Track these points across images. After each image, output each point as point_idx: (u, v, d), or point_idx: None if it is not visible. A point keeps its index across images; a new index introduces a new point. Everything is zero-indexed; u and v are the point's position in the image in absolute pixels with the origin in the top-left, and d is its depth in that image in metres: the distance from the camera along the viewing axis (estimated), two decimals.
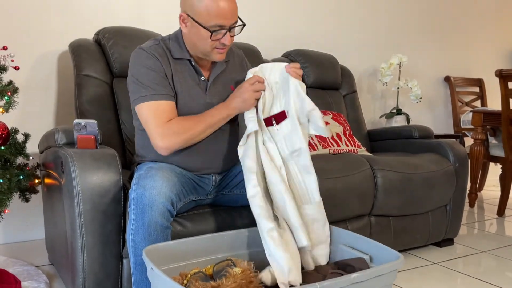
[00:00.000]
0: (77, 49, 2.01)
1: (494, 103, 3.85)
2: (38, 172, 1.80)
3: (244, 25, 1.36)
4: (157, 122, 1.32)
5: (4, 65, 1.60)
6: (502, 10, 4.03)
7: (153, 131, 1.32)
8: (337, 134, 2.34)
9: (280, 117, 1.37)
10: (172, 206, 1.24)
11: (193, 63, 1.43)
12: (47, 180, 1.75)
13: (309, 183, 1.35)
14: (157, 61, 1.37)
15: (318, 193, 1.34)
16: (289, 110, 1.35)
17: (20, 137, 1.73)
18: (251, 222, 1.52)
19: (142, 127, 1.44)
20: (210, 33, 1.31)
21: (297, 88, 1.34)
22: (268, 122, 1.38)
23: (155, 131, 1.32)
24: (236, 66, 1.54)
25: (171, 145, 1.32)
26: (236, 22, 1.34)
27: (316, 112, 1.32)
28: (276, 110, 1.38)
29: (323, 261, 1.33)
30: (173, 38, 1.44)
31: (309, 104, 1.33)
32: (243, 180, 1.48)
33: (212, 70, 1.46)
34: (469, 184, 3.19)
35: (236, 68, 1.53)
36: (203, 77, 1.44)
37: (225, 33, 1.32)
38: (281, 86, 1.38)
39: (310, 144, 2.26)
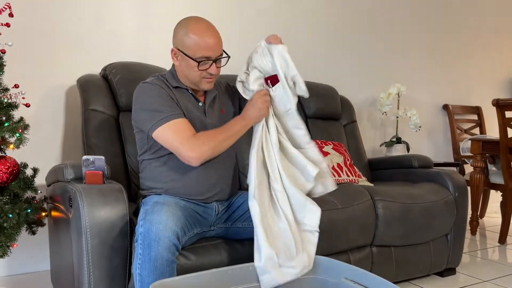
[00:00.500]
0: (84, 84, 2.07)
1: (493, 130, 3.90)
2: (45, 205, 1.84)
3: (229, 57, 1.53)
4: (182, 137, 1.42)
5: (16, 102, 1.67)
6: (499, 40, 4.13)
7: (180, 145, 1.41)
8: (338, 164, 2.38)
9: (274, 80, 1.53)
10: (177, 240, 1.28)
11: (190, 91, 1.56)
12: (54, 213, 1.78)
13: (300, 136, 1.57)
14: (162, 89, 1.49)
15: (308, 138, 1.57)
16: (279, 74, 1.51)
17: (29, 171, 1.78)
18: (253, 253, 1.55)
19: (148, 158, 1.53)
20: (197, 64, 1.46)
21: (281, 52, 1.51)
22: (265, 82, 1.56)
23: (183, 145, 1.41)
24: (223, 92, 1.69)
25: (201, 154, 1.41)
26: (222, 54, 1.51)
27: (299, 77, 1.52)
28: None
29: (331, 186, 1.59)
30: (168, 73, 1.60)
31: (292, 69, 1.51)
32: (245, 212, 1.54)
33: (206, 96, 1.61)
34: (470, 212, 3.22)
35: (224, 94, 1.69)
36: (200, 102, 1.58)
37: (211, 64, 1.48)
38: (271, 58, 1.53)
39: None
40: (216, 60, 1.49)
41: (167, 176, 1.51)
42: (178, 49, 1.50)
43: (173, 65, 1.58)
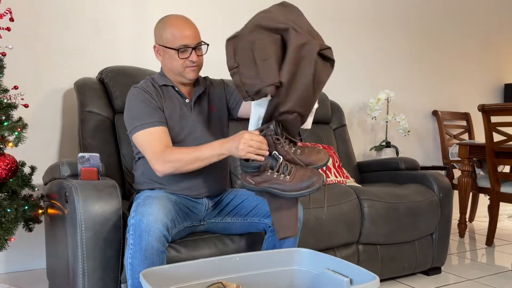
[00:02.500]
0: (81, 87, 2.15)
1: (481, 135, 3.98)
2: (41, 203, 1.91)
3: (208, 44, 1.60)
4: (152, 148, 1.49)
5: (15, 103, 1.74)
6: (487, 46, 4.22)
7: (150, 156, 1.49)
8: (327, 166, 2.45)
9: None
10: (167, 231, 1.34)
11: (176, 88, 1.64)
12: (50, 210, 1.85)
13: None
14: (146, 94, 1.57)
15: None
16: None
17: (26, 170, 1.84)
18: (243, 249, 1.63)
19: (140, 155, 1.60)
20: (177, 52, 1.54)
21: None
22: None
23: (152, 156, 1.48)
24: (214, 89, 1.74)
25: (164, 170, 1.47)
26: (200, 43, 1.58)
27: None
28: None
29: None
30: (157, 74, 1.69)
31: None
32: (235, 208, 1.61)
33: (193, 93, 1.67)
34: (459, 215, 3.29)
35: (215, 91, 1.73)
36: (187, 99, 1.65)
37: (191, 52, 1.55)
38: None
39: None
40: (196, 48, 1.56)
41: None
42: (159, 45, 1.59)
43: (161, 67, 1.67)
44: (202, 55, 1.61)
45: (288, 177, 1.35)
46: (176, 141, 1.57)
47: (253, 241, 1.67)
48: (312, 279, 1.44)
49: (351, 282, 1.32)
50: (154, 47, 1.62)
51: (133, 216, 1.33)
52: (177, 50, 1.54)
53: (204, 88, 1.70)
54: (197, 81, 1.69)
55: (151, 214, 1.32)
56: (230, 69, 1.36)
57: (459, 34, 4.02)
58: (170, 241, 1.40)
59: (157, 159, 1.46)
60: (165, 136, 1.51)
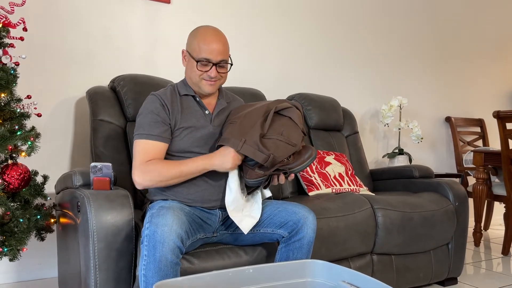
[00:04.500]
0: (93, 95, 2.15)
1: (496, 142, 3.93)
2: (54, 212, 1.90)
3: (231, 65, 1.61)
4: (140, 159, 1.51)
5: (28, 112, 1.74)
6: (500, 52, 4.17)
7: (133, 165, 1.52)
8: (340, 174, 2.42)
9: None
10: (181, 243, 1.33)
11: (197, 99, 1.63)
12: (62, 220, 1.84)
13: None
14: (159, 105, 1.57)
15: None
16: None
17: (39, 179, 1.84)
18: (256, 260, 1.60)
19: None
20: (196, 63, 1.55)
21: None
22: None
23: (134, 166, 1.52)
24: (235, 105, 1.75)
25: (141, 181, 1.50)
26: (224, 60, 1.57)
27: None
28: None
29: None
30: (180, 81, 1.69)
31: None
32: None
33: (215, 106, 1.67)
34: (474, 223, 3.23)
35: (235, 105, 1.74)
36: (207, 111, 1.64)
37: (211, 67, 1.55)
38: None
39: (313, 183, 2.34)
40: (217, 64, 1.56)
41: (173, 185, 1.57)
42: (186, 50, 1.61)
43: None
44: (224, 73, 1.60)
45: (290, 158, 1.50)
46: (190, 151, 1.56)
47: (267, 252, 1.65)
48: None
49: None
50: (182, 51, 1.64)
51: (147, 227, 1.32)
52: (197, 61, 1.55)
53: (226, 104, 1.69)
54: (221, 94, 1.70)
55: (166, 225, 1.30)
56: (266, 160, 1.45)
57: (472, 40, 3.98)
58: (184, 253, 1.38)
59: (137, 169, 1.49)
60: (158, 152, 1.54)
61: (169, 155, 1.59)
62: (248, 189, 1.61)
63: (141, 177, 1.49)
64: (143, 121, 1.55)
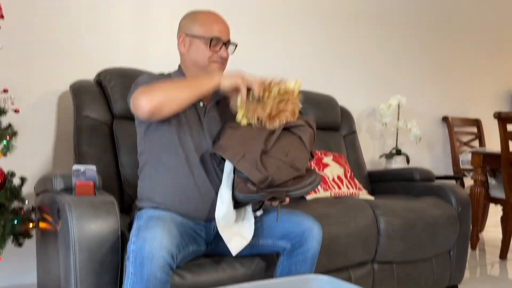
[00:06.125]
0: (78, 90, 2.00)
1: (492, 143, 3.87)
2: (32, 216, 1.76)
3: (236, 45, 1.53)
4: (142, 86, 1.35)
5: (4, 108, 1.59)
6: (498, 52, 4.12)
7: (136, 93, 1.32)
8: (338, 177, 2.32)
9: None
10: (172, 259, 1.20)
11: None
12: (42, 225, 1.70)
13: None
14: (158, 77, 1.48)
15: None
16: None
17: (16, 181, 1.69)
18: (253, 273, 1.48)
19: (148, 162, 1.46)
20: (209, 42, 1.44)
21: None
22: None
23: (138, 92, 1.32)
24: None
25: (149, 101, 1.28)
26: (230, 41, 1.51)
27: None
28: None
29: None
30: (174, 71, 1.56)
31: None
32: None
33: (211, 96, 1.51)
34: (471, 227, 3.16)
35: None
36: (201, 103, 1.49)
37: (222, 46, 1.47)
38: None
39: None
40: (226, 45, 1.48)
41: (165, 187, 1.43)
42: (187, 34, 1.48)
43: (179, 65, 1.55)
44: (229, 55, 1.52)
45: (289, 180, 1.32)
46: (180, 151, 1.42)
47: (265, 264, 1.52)
48: None
49: None
50: (179, 36, 1.50)
51: (133, 241, 1.18)
52: (210, 39, 1.44)
53: (221, 97, 1.51)
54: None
55: (155, 239, 1.17)
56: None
57: (470, 39, 3.91)
58: (174, 269, 1.25)
59: (141, 92, 1.30)
60: None
61: (144, 155, 1.48)
62: (236, 205, 1.41)
63: (147, 97, 1.27)
64: (140, 80, 1.42)
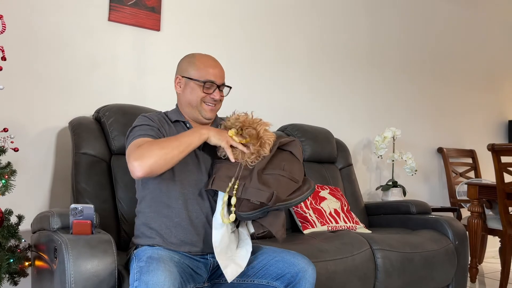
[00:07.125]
0: (77, 127, 2.02)
1: (487, 173, 3.89)
2: (29, 253, 1.75)
3: (230, 88, 1.60)
4: (133, 149, 1.38)
5: (4, 146, 1.61)
6: (491, 85, 4.19)
7: (129, 155, 1.36)
8: (335, 210, 2.32)
9: None
10: None
11: (188, 125, 1.58)
12: (38, 263, 1.69)
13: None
14: (153, 122, 1.51)
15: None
16: None
17: (13, 219, 1.69)
18: None
19: (147, 196, 1.49)
20: (202, 85, 1.52)
21: None
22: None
23: (130, 156, 1.36)
24: None
25: (143, 164, 1.32)
26: (224, 84, 1.58)
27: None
28: None
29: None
30: (171, 110, 1.64)
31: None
32: None
33: None
34: (469, 258, 3.14)
35: None
36: None
37: (215, 89, 1.53)
38: None
39: (308, 220, 2.23)
40: (220, 87, 1.55)
41: (160, 223, 1.45)
42: (182, 76, 1.56)
43: (176, 104, 1.63)
44: (223, 96, 1.59)
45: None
46: (176, 180, 1.47)
47: None
48: None
49: None
50: (176, 78, 1.59)
51: (136, 286, 1.18)
52: (204, 82, 1.52)
53: (221, 128, 1.59)
54: (215, 123, 1.64)
55: (157, 284, 1.16)
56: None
57: (463, 71, 3.98)
58: None
59: (132, 156, 1.34)
60: None
61: (141, 192, 1.51)
62: (233, 226, 1.47)
63: (139, 162, 1.31)
64: (137, 130, 1.47)
